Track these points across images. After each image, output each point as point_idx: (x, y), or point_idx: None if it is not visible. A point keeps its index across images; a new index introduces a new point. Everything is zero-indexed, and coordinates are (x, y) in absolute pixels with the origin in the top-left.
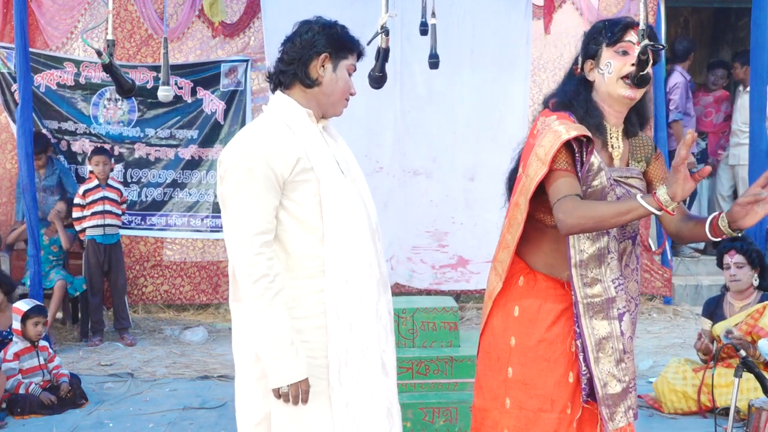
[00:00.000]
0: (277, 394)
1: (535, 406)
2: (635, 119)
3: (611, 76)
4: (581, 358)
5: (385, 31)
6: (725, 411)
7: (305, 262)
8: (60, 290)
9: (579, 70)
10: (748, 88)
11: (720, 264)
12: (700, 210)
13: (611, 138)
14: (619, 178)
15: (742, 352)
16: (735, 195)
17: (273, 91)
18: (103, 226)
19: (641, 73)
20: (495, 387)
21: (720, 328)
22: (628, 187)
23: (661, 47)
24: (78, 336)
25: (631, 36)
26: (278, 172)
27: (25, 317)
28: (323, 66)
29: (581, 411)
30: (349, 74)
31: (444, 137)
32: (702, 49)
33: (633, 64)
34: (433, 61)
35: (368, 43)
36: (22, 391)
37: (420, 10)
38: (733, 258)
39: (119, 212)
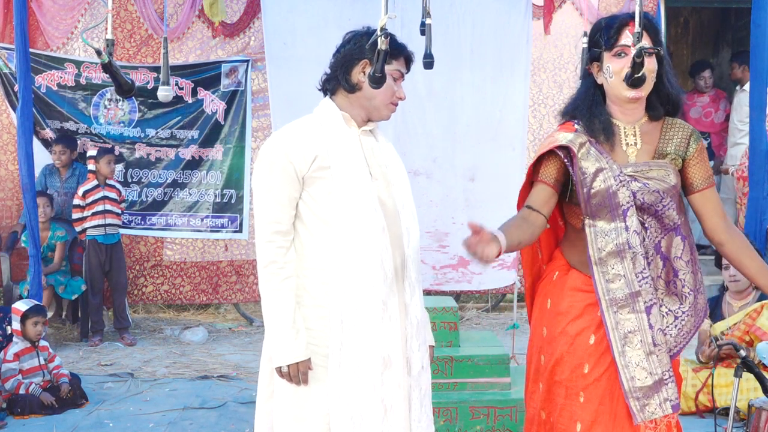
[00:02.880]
0: (280, 372)
1: (556, 392)
2: (657, 103)
3: (613, 79)
4: (611, 350)
5: (384, 32)
6: (725, 411)
7: (316, 254)
8: (47, 298)
9: (591, 69)
10: (744, 87)
11: (718, 264)
12: None
13: (626, 136)
14: (634, 173)
15: (742, 352)
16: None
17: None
18: (104, 225)
19: (636, 75)
20: (533, 372)
21: (719, 328)
22: (646, 180)
23: (657, 50)
24: (78, 336)
25: (627, 38)
26: (297, 167)
27: (25, 317)
28: (363, 72)
29: (620, 405)
30: (395, 79)
31: (444, 137)
32: (702, 49)
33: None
34: (428, 61)
35: (368, 45)
36: (22, 391)
37: (420, 11)
38: None
39: (119, 211)
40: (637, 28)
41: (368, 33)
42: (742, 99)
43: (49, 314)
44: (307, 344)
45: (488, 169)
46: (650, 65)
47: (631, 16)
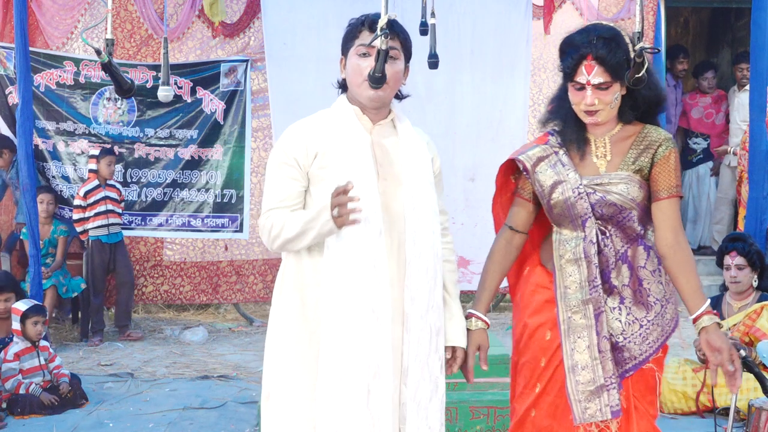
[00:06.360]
0: (337, 224)
1: (518, 381)
2: (626, 108)
3: (574, 106)
4: (562, 352)
5: (384, 32)
6: (725, 411)
7: (313, 256)
8: (51, 298)
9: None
10: (745, 88)
11: (720, 264)
12: (704, 212)
13: (597, 149)
14: (594, 186)
15: (742, 352)
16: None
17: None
18: (107, 225)
19: (636, 76)
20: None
21: None
22: (604, 193)
23: (656, 50)
24: (78, 336)
25: (582, 75)
26: (300, 163)
27: (24, 317)
28: (344, 68)
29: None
30: (365, 54)
31: (444, 137)
32: (702, 49)
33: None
34: (433, 61)
35: (369, 44)
36: (22, 391)
37: (420, 10)
38: (734, 260)
39: (120, 211)
40: (637, 27)
41: (349, 25)
42: (743, 99)
43: (55, 314)
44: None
45: (488, 169)
46: (604, 98)
47: (589, 49)
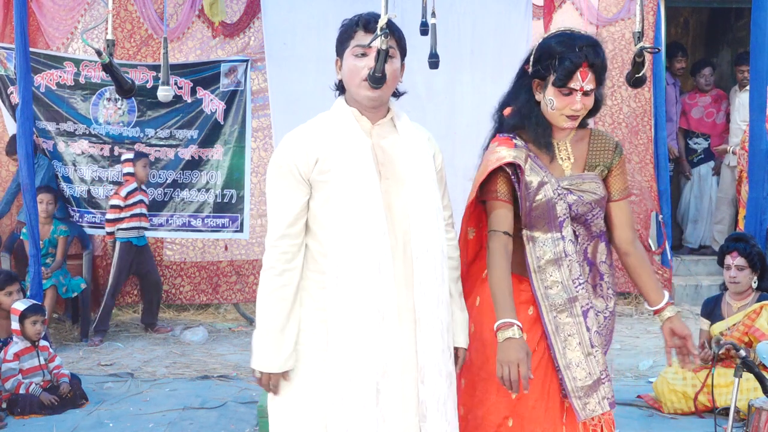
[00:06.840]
0: (255, 375)
1: (483, 388)
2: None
3: (553, 112)
4: (552, 352)
5: (384, 32)
6: (725, 411)
7: (317, 258)
8: (51, 298)
9: (529, 68)
10: (746, 88)
11: (721, 262)
12: (705, 212)
13: (560, 152)
14: (570, 186)
15: (742, 352)
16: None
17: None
18: (139, 228)
19: (637, 76)
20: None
21: (718, 328)
22: (580, 193)
23: (658, 49)
24: (78, 336)
25: (576, 81)
26: (301, 170)
27: (23, 317)
28: (339, 69)
29: (553, 401)
30: (363, 55)
31: (444, 137)
32: (702, 49)
33: (580, 99)
34: (433, 61)
35: (369, 44)
36: (22, 391)
37: (420, 10)
38: (734, 260)
39: (148, 215)
40: (637, 27)
41: (342, 25)
42: (744, 99)
43: (56, 315)
44: (288, 358)
45: None
46: (587, 103)
47: (584, 56)
